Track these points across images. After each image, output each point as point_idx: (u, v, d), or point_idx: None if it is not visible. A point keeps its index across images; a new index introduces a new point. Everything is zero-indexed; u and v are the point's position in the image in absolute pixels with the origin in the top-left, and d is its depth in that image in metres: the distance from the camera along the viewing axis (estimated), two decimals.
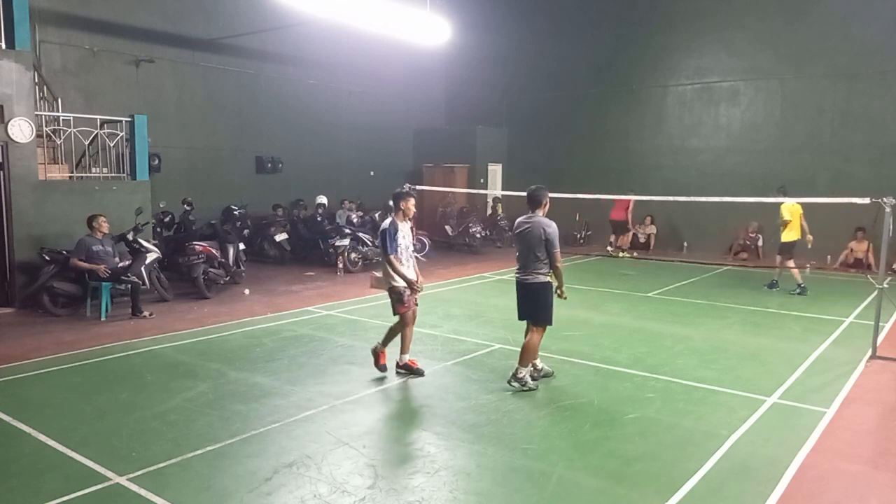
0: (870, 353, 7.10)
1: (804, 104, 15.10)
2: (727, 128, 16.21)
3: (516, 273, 6.09)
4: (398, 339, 6.35)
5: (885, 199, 6.84)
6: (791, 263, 10.95)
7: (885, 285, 7.30)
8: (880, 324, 7.25)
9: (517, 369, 5.98)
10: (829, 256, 14.19)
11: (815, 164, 14.90)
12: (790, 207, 10.68)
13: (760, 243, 15.18)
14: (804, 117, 15.11)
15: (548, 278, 5.94)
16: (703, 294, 10.87)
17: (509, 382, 5.98)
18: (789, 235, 10.81)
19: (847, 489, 4.20)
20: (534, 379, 6.08)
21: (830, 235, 14.14)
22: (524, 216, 6.07)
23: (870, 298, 9.99)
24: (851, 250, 13.67)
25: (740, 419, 5.28)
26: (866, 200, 7.12)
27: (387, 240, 6.11)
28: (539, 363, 6.26)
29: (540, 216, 5.97)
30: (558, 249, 5.89)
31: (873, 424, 5.34)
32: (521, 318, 6.15)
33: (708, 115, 16.44)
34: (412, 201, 6.28)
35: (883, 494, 4.15)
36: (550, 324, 6.03)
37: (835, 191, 13.37)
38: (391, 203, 6.39)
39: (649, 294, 10.89)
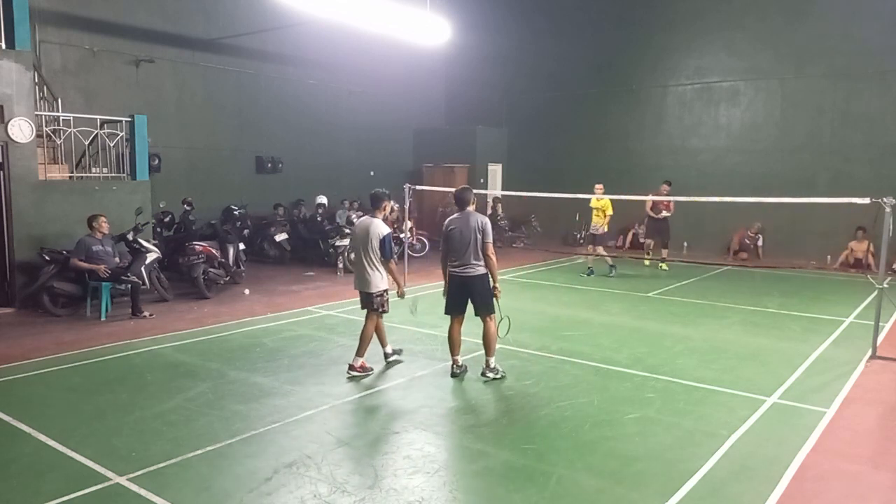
0: (870, 353, 7.10)
1: (804, 104, 15.11)
2: (727, 128, 16.21)
3: (455, 269, 6.18)
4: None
5: (885, 199, 6.84)
6: (601, 250, 12.64)
7: (885, 285, 7.30)
8: (880, 324, 7.25)
9: (487, 360, 6.25)
10: (829, 256, 14.20)
11: (815, 164, 14.91)
12: (608, 203, 12.29)
13: (760, 243, 15.19)
14: (804, 117, 15.12)
15: (484, 269, 6.14)
16: (703, 294, 10.87)
17: (483, 374, 6.23)
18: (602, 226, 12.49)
19: (847, 489, 4.20)
20: (457, 376, 6.31)
21: (830, 235, 14.19)
22: (455, 215, 6.27)
23: (870, 298, 9.99)
24: (851, 250, 13.67)
25: (740, 419, 5.28)
26: (866, 200, 7.12)
27: (390, 245, 6.20)
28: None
29: (471, 211, 6.20)
30: (491, 241, 6.11)
31: (873, 424, 5.34)
32: (456, 312, 6.30)
33: (708, 115, 16.44)
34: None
35: (883, 494, 4.15)
36: (495, 311, 6.22)
37: (835, 191, 13.38)
38: (382, 204, 6.41)
39: (649, 294, 10.90)
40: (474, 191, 6.43)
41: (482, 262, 6.10)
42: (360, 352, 6.32)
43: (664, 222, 13.42)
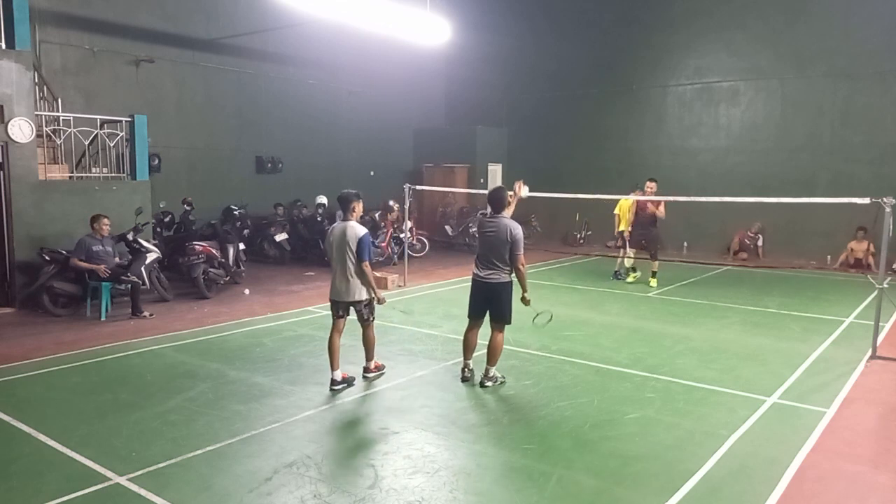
0: (870, 353, 7.10)
1: (804, 104, 15.10)
2: (727, 128, 16.21)
3: (479, 273, 6.05)
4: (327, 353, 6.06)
5: (885, 199, 6.84)
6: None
7: (885, 285, 7.30)
8: (880, 324, 7.25)
9: (487, 369, 6.08)
10: (829, 256, 14.20)
11: (815, 164, 14.91)
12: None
13: (760, 243, 15.19)
14: (804, 117, 15.12)
15: (510, 278, 5.99)
16: (703, 294, 10.87)
17: (482, 384, 6.05)
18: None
19: (847, 489, 4.20)
20: (467, 379, 6.18)
21: (830, 235, 14.19)
22: (489, 217, 6.11)
23: (870, 298, 9.99)
24: (851, 250, 13.67)
25: (740, 419, 5.29)
26: (866, 200, 7.12)
27: (369, 247, 5.87)
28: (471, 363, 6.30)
29: (505, 217, 5.98)
30: (522, 252, 5.89)
31: (873, 424, 5.34)
32: (477, 317, 6.17)
33: (708, 115, 16.44)
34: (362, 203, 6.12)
35: (883, 494, 4.15)
36: (510, 322, 6.08)
37: (835, 191, 13.39)
38: (352, 204, 5.99)
39: (649, 294, 10.89)
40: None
41: (508, 270, 5.92)
42: (368, 356, 6.22)
43: (653, 227, 11.43)
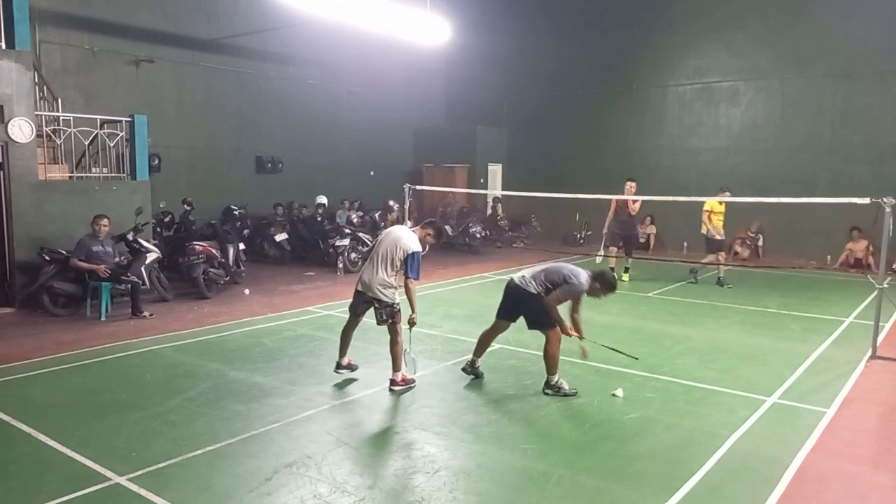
0: (870, 353, 7.10)
1: (804, 104, 15.11)
2: (727, 128, 16.21)
3: (515, 275, 6.15)
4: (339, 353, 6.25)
5: (885, 199, 6.84)
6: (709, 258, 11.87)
7: (885, 285, 7.30)
8: (880, 324, 7.25)
9: (547, 378, 5.93)
10: (829, 256, 14.21)
11: (815, 164, 14.92)
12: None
13: (760, 243, 15.19)
14: (804, 117, 15.12)
15: (537, 291, 5.89)
16: (703, 294, 10.87)
17: (544, 392, 5.91)
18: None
19: (847, 489, 4.20)
20: (467, 373, 6.27)
21: (830, 235, 14.20)
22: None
23: (870, 298, 9.99)
24: (850, 251, 13.66)
25: (740, 419, 5.29)
26: (866, 200, 7.12)
27: (418, 264, 5.86)
28: (478, 361, 6.33)
29: (576, 273, 6.01)
30: (555, 298, 5.81)
31: (873, 424, 5.34)
32: (501, 317, 6.17)
33: (708, 115, 16.45)
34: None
35: (883, 494, 4.15)
36: (553, 326, 5.92)
37: (835, 191, 13.39)
38: (428, 229, 6.16)
39: (649, 294, 10.89)
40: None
41: (536, 288, 5.84)
42: (395, 366, 5.95)
43: (631, 226, 11.87)
